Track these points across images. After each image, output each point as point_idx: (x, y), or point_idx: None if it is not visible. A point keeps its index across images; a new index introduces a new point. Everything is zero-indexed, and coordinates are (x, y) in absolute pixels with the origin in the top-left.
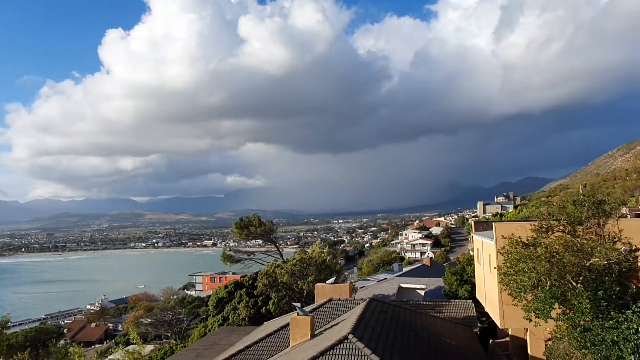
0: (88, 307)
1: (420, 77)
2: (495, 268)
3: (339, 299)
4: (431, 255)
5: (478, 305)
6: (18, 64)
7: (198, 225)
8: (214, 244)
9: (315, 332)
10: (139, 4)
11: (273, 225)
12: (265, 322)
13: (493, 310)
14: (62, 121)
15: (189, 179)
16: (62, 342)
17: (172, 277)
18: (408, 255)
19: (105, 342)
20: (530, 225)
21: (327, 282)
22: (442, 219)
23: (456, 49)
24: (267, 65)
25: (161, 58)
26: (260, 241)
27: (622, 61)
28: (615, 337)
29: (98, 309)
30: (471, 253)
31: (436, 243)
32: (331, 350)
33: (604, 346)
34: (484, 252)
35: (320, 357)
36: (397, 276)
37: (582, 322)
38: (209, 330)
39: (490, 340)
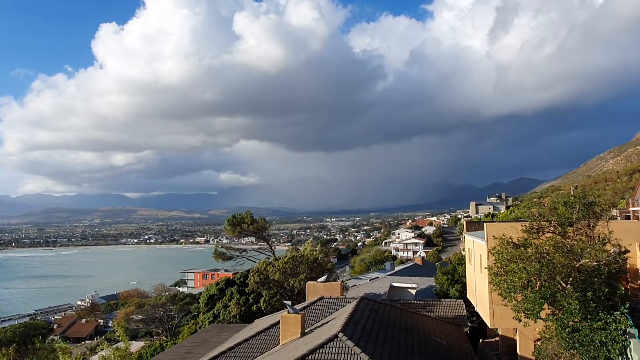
0: (79, 303)
1: (414, 77)
2: (486, 268)
3: (330, 297)
4: (423, 254)
5: (469, 304)
6: (10, 57)
7: (191, 222)
8: (207, 241)
9: (306, 331)
10: None
11: (266, 223)
12: (256, 320)
13: (483, 310)
14: (54, 116)
15: (182, 175)
16: (50, 337)
17: (164, 273)
18: (400, 254)
19: (95, 338)
20: (521, 225)
21: (318, 280)
22: (434, 218)
23: (451, 49)
24: (261, 63)
25: (155, 53)
26: (252, 238)
27: (614, 63)
28: (603, 338)
29: (89, 305)
30: (463, 253)
31: (428, 242)
32: (321, 349)
33: (592, 347)
34: (475, 252)
35: (310, 356)
36: (388, 275)
37: (571, 323)
38: (200, 327)
39: (480, 340)
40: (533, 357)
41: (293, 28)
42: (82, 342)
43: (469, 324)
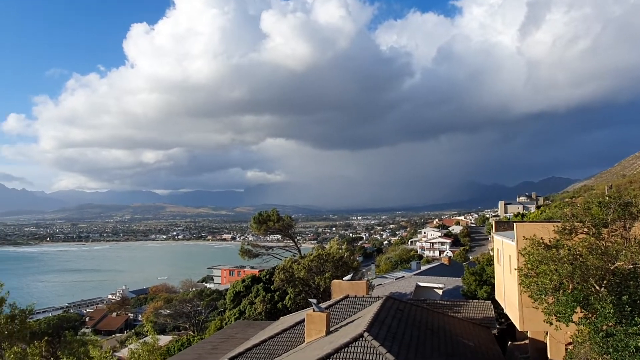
0: (109, 296)
1: (442, 74)
2: (515, 269)
3: (355, 296)
4: (450, 254)
5: (497, 306)
6: (46, 57)
7: (218, 219)
8: (233, 238)
9: (331, 329)
10: None
11: (291, 221)
12: (281, 317)
13: (512, 312)
14: (87, 114)
15: (210, 173)
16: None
17: (191, 269)
18: (426, 253)
19: (125, 332)
20: (553, 226)
21: (343, 278)
22: (462, 217)
23: (480, 45)
24: (288, 61)
25: (184, 52)
26: (278, 236)
27: None
28: (639, 344)
29: (119, 298)
30: (491, 253)
31: (455, 242)
32: (346, 348)
33: (627, 352)
34: (505, 252)
35: (335, 355)
36: (414, 274)
37: (604, 327)
38: (226, 324)
39: (509, 343)
40: None
41: (320, 26)
42: (113, 335)
43: (497, 326)
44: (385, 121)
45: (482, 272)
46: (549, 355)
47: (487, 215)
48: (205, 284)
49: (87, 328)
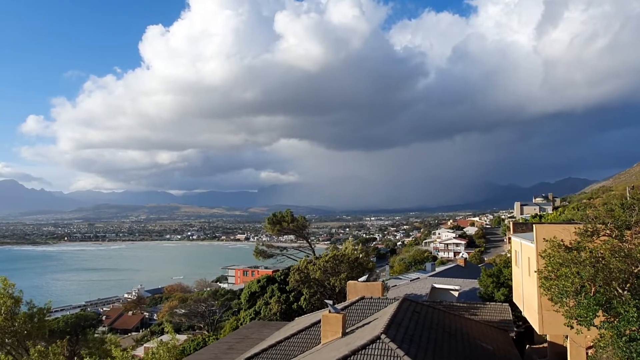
0: (126, 295)
1: (457, 74)
2: (535, 272)
3: (371, 297)
4: (465, 255)
5: (514, 309)
6: (64, 59)
7: (232, 219)
8: (247, 238)
9: (347, 331)
10: (179, 0)
11: (305, 221)
12: (296, 318)
13: (531, 315)
14: (104, 115)
15: (224, 173)
16: (100, 328)
17: (206, 269)
18: (441, 254)
19: (141, 331)
20: (574, 228)
21: (359, 280)
22: (476, 218)
23: (496, 44)
24: (302, 61)
25: (199, 54)
26: (292, 237)
27: None
28: None
29: (135, 298)
30: (508, 255)
31: (470, 243)
32: (363, 350)
33: None
34: (523, 254)
35: (352, 357)
36: (430, 276)
37: (628, 332)
38: (241, 324)
39: (527, 346)
40: None
41: (334, 26)
42: (129, 334)
43: (515, 329)
44: (399, 121)
45: (499, 274)
46: (569, 359)
47: (503, 217)
48: (220, 284)
49: (104, 327)
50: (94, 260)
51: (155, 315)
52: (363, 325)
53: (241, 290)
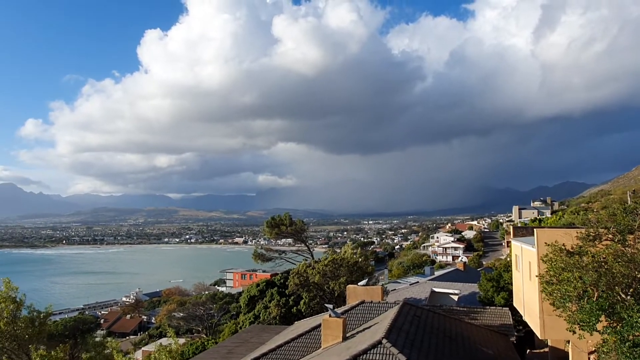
0: (124, 299)
1: (454, 78)
2: (536, 276)
3: (371, 301)
4: (465, 259)
5: (515, 313)
6: (62, 63)
7: (230, 222)
8: (245, 242)
9: (347, 335)
10: (177, 5)
11: (304, 225)
12: (296, 322)
13: (532, 319)
14: (102, 119)
15: (222, 177)
16: (99, 332)
17: (204, 272)
18: (439, 258)
19: (139, 334)
20: (576, 232)
21: (359, 283)
22: (475, 222)
23: (493, 48)
24: (299, 65)
25: (197, 58)
26: (290, 240)
27: None
28: None
29: (133, 301)
30: (507, 259)
31: (469, 247)
32: (364, 355)
33: None
34: (524, 258)
35: None
36: (429, 280)
37: (631, 337)
38: (240, 328)
39: (528, 351)
40: None
41: (331, 30)
42: (127, 337)
43: (516, 334)
44: (397, 125)
45: (499, 278)
46: None
47: (501, 220)
48: (218, 287)
49: (102, 330)
50: (92, 264)
51: (153, 318)
52: (363, 329)
53: (239, 293)
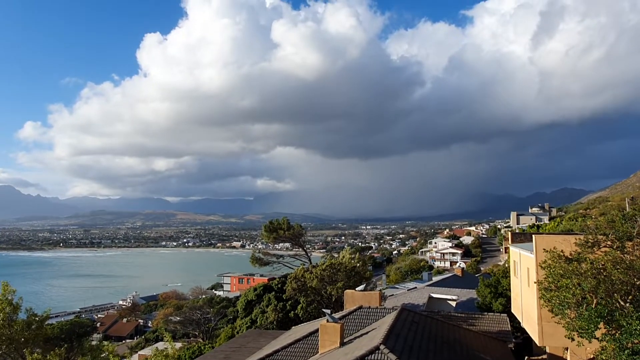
0: (120, 302)
1: (453, 84)
2: (535, 282)
3: (369, 307)
4: (463, 265)
5: (513, 319)
6: (62, 66)
7: (227, 226)
8: (243, 246)
9: (345, 341)
10: (177, 9)
11: (302, 229)
12: (293, 327)
13: (530, 326)
14: (101, 122)
15: (220, 181)
16: (95, 335)
17: (202, 276)
18: (437, 264)
19: (135, 338)
20: (575, 239)
21: (356, 289)
22: (473, 228)
23: (492, 55)
24: (299, 70)
25: (196, 62)
26: (288, 244)
27: None
28: None
29: (130, 304)
30: (505, 265)
31: (467, 253)
32: None
33: None
34: (522, 265)
35: None
36: (427, 285)
37: (630, 345)
38: (237, 332)
39: (526, 357)
40: None
41: (331, 35)
42: (123, 341)
43: (514, 340)
44: (396, 130)
45: (497, 284)
46: None
47: (499, 226)
48: (215, 292)
49: (98, 334)
50: (89, 267)
51: (150, 322)
52: (361, 335)
53: (237, 297)
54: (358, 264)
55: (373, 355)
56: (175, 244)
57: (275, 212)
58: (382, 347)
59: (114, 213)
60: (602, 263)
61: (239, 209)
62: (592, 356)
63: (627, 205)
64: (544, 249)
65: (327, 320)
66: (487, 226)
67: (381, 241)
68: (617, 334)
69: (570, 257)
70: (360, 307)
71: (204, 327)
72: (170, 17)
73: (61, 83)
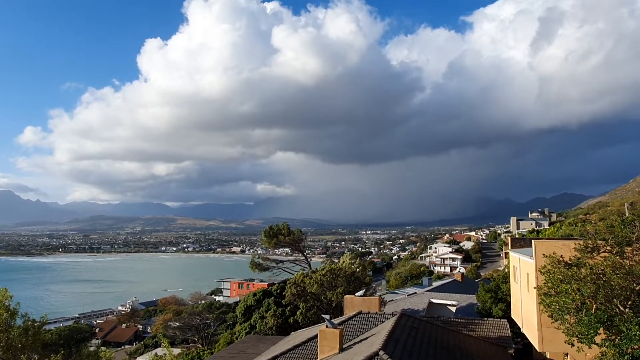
0: (119, 308)
1: (453, 89)
2: (534, 288)
3: (369, 312)
4: (463, 270)
5: (513, 325)
6: (62, 71)
7: (227, 231)
8: (243, 251)
9: (344, 346)
10: (178, 14)
11: (302, 235)
12: (292, 333)
13: (530, 331)
14: (101, 127)
15: (220, 185)
16: (93, 341)
17: (201, 281)
18: (437, 269)
19: (134, 343)
20: (574, 244)
21: (356, 294)
22: (473, 233)
23: (491, 60)
24: (299, 75)
25: (196, 67)
26: (288, 250)
27: None
28: None
29: (129, 310)
30: (505, 270)
31: (467, 258)
32: None
33: None
34: (522, 270)
35: None
36: (427, 291)
37: (630, 350)
38: (236, 338)
39: None
40: None
41: (331, 41)
42: (122, 347)
43: (514, 346)
44: (396, 135)
45: (497, 289)
46: None
47: (499, 231)
48: (215, 297)
49: (97, 339)
50: (89, 272)
51: (149, 328)
52: (360, 340)
53: (236, 303)
54: (358, 269)
55: None
56: (175, 249)
57: (275, 217)
58: (381, 352)
59: (114, 218)
60: (602, 268)
61: (239, 214)
62: None
63: (626, 210)
64: (544, 254)
65: (327, 326)
66: (487, 231)
67: (381, 246)
68: (616, 340)
69: (569, 262)
70: (360, 313)
71: (203, 333)
72: (171, 23)
73: (62, 88)
